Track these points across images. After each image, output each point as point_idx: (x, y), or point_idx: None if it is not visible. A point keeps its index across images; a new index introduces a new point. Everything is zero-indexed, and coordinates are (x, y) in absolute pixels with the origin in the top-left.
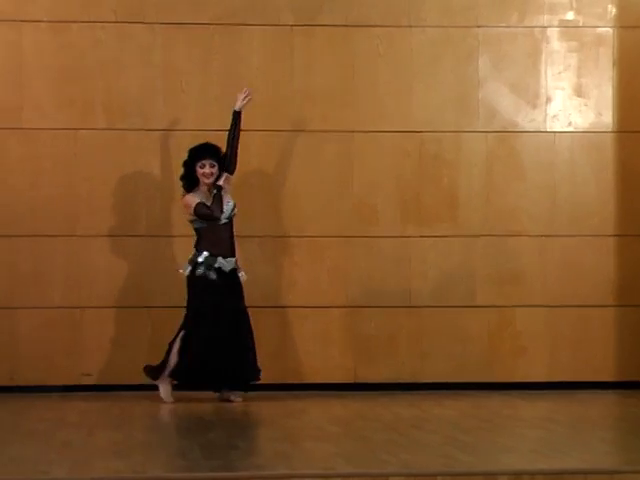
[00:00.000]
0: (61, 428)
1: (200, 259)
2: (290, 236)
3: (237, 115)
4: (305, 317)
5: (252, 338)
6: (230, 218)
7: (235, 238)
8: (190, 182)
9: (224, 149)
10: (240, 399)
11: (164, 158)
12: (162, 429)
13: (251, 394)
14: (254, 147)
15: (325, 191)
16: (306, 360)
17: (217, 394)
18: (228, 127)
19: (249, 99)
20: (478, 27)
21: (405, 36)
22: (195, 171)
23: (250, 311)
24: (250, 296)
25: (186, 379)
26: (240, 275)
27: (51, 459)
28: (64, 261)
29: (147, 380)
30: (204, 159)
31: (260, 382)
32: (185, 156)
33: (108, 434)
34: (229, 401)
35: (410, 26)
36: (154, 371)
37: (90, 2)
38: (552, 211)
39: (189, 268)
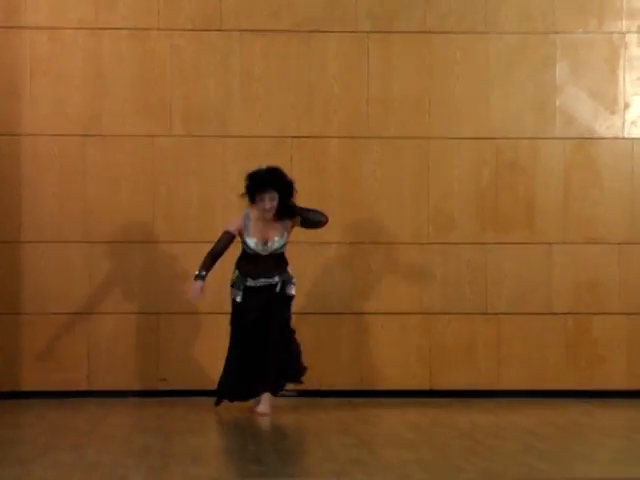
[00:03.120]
0: (138, 433)
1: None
2: (366, 242)
3: None
4: (381, 324)
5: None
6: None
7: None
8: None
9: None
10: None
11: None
12: (238, 435)
13: (327, 400)
14: (330, 154)
15: (401, 197)
16: (382, 366)
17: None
18: (304, 134)
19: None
20: (556, 33)
21: (482, 42)
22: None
23: (326, 318)
24: (326, 302)
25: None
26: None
27: (128, 464)
28: (142, 267)
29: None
30: (264, 192)
31: (337, 388)
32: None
33: (185, 439)
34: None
35: (487, 32)
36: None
37: (168, 10)
38: (630, 219)
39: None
